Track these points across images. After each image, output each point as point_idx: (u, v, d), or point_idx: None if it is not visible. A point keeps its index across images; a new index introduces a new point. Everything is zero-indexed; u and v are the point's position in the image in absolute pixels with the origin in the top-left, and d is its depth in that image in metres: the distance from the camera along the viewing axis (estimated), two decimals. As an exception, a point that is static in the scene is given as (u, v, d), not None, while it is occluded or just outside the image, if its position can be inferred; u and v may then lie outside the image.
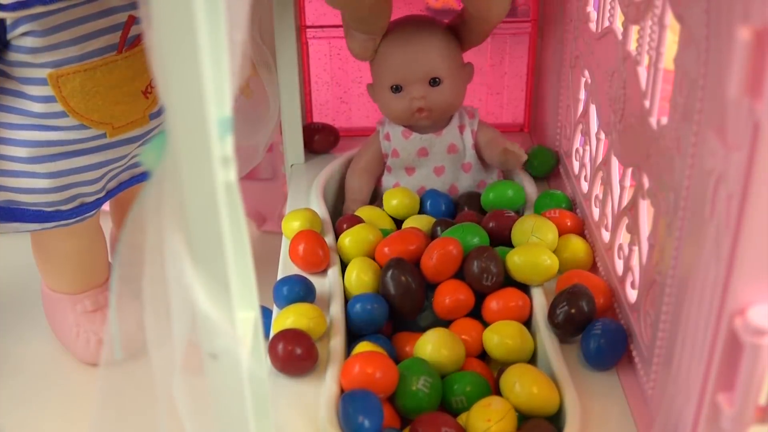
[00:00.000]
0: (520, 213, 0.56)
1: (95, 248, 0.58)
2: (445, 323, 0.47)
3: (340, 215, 0.60)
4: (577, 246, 0.50)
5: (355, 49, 0.57)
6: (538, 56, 0.66)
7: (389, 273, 0.47)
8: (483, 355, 0.46)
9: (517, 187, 0.56)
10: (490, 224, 0.53)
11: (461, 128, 0.58)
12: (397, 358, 0.46)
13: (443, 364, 0.43)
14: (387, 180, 0.59)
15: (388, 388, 0.41)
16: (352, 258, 0.51)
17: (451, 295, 0.47)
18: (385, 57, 0.56)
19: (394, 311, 0.47)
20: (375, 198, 0.61)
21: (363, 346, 0.44)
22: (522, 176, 0.59)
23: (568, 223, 0.53)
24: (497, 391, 0.42)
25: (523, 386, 0.40)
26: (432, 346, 0.43)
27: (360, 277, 0.49)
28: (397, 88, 0.56)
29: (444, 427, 0.39)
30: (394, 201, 0.56)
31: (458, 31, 0.57)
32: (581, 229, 0.53)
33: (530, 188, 0.58)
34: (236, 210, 0.26)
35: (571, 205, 0.56)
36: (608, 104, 0.48)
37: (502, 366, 0.43)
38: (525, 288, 0.48)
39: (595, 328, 0.43)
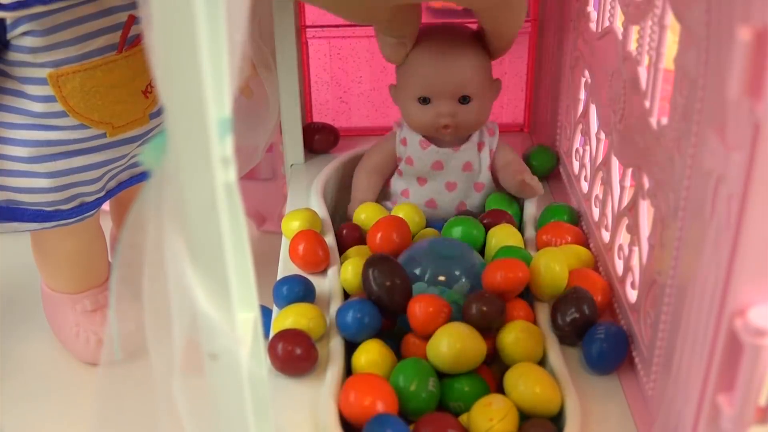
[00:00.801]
0: (520, 228, 0.56)
1: (95, 248, 0.58)
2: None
3: (340, 215, 0.60)
4: (578, 256, 0.50)
5: (386, 53, 0.55)
6: (538, 56, 0.66)
7: (370, 273, 0.46)
8: (488, 362, 0.46)
9: (512, 204, 0.56)
10: (485, 221, 0.53)
11: (480, 146, 0.57)
12: (402, 353, 0.45)
13: (459, 362, 0.42)
14: (397, 183, 0.59)
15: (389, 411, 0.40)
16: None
17: (426, 306, 0.44)
18: (416, 66, 0.55)
19: (385, 309, 0.46)
20: (381, 198, 0.60)
21: (367, 345, 0.44)
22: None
23: (568, 239, 0.52)
24: (497, 392, 0.42)
25: (526, 385, 0.40)
26: (448, 341, 0.42)
27: (356, 272, 0.48)
28: (424, 100, 0.55)
29: (448, 428, 0.39)
30: (400, 215, 0.55)
31: (484, 41, 0.55)
32: (585, 244, 0.53)
33: (531, 202, 0.57)
34: (236, 210, 0.26)
35: (576, 218, 0.55)
36: (608, 104, 0.48)
37: (506, 367, 0.43)
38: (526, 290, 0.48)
39: (597, 332, 0.43)
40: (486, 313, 0.43)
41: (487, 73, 0.56)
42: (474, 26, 0.56)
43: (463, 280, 0.47)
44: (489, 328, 0.44)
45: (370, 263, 0.46)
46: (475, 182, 0.57)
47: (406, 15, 0.52)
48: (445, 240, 0.50)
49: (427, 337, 0.44)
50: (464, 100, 0.55)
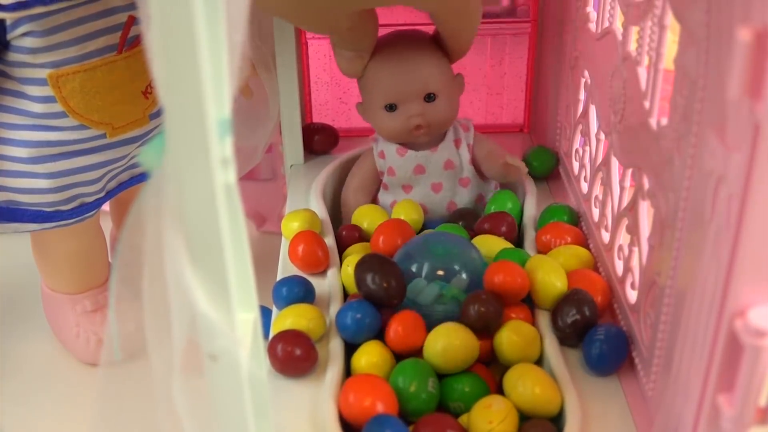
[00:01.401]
0: (520, 228, 0.56)
1: (95, 248, 0.58)
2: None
3: (340, 216, 0.60)
4: (578, 257, 0.50)
5: (343, 67, 0.56)
6: (538, 56, 0.66)
7: (362, 273, 0.46)
8: (487, 362, 0.46)
9: (515, 199, 0.56)
10: (485, 225, 0.53)
11: (457, 143, 0.57)
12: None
13: (454, 362, 0.42)
14: (384, 198, 0.59)
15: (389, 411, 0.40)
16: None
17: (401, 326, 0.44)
18: (377, 76, 0.55)
19: (381, 306, 0.46)
20: None
21: (367, 347, 0.44)
22: (526, 185, 0.59)
23: (568, 239, 0.52)
24: (497, 392, 0.42)
25: (525, 386, 0.40)
26: (444, 341, 0.42)
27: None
28: (391, 107, 0.55)
29: (447, 428, 0.39)
30: (401, 214, 0.55)
31: (442, 44, 0.56)
32: (585, 244, 0.53)
33: (531, 203, 0.57)
34: (236, 211, 0.26)
35: (576, 218, 0.55)
36: (608, 105, 0.48)
37: (505, 367, 0.43)
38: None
39: (597, 333, 0.43)
40: (484, 314, 0.43)
41: (447, 70, 0.56)
42: (430, 30, 0.57)
43: (463, 275, 0.47)
44: (487, 328, 0.44)
45: (361, 263, 0.46)
46: (459, 179, 0.57)
47: (364, 26, 0.52)
48: (442, 234, 0.50)
49: (407, 353, 0.44)
50: (429, 98, 0.55)
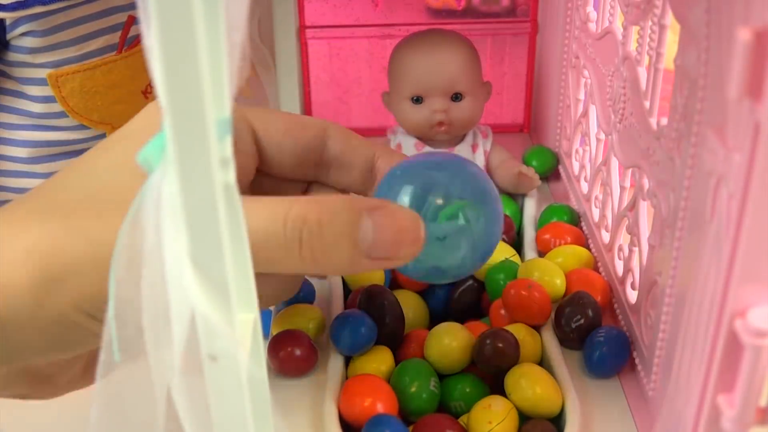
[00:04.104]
0: (520, 228, 0.56)
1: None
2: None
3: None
4: (578, 257, 0.50)
5: None
6: (538, 56, 0.66)
7: (368, 306, 0.44)
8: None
9: (513, 205, 0.56)
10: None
11: (474, 147, 0.58)
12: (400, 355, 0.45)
13: (452, 361, 0.42)
14: None
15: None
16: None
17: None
18: (407, 66, 0.56)
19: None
20: None
21: (368, 352, 0.44)
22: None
23: (568, 239, 0.52)
24: (497, 392, 0.42)
25: (526, 386, 0.40)
26: (441, 341, 0.43)
27: None
28: (417, 99, 0.56)
29: (448, 429, 0.39)
30: None
31: (472, 45, 0.56)
32: (585, 244, 0.53)
33: (531, 203, 0.57)
34: (235, 211, 0.26)
35: (576, 218, 0.55)
36: (608, 105, 0.48)
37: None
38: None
39: (598, 335, 0.43)
40: (500, 350, 0.41)
41: (477, 73, 0.57)
42: (465, 35, 0.57)
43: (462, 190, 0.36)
44: (500, 366, 0.42)
45: (369, 294, 0.45)
46: None
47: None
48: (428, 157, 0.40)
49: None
50: (456, 97, 0.56)
